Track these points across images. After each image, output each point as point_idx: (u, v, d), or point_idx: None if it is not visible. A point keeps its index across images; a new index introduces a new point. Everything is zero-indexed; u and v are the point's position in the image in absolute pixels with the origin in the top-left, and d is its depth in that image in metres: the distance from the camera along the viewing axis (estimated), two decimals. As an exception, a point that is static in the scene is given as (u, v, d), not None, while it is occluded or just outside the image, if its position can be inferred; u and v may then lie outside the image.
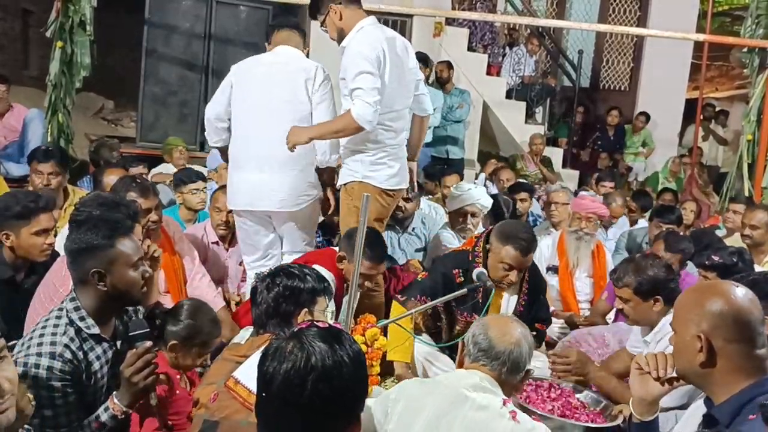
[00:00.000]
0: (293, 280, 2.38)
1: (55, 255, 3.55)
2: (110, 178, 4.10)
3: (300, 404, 1.40)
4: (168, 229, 3.88)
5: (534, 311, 3.65)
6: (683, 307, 1.83)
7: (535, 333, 3.49)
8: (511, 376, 2.24)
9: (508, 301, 3.58)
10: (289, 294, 2.35)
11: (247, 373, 2.04)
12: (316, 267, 3.37)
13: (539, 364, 3.38)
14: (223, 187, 4.35)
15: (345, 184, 3.74)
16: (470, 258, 3.50)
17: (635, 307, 3.09)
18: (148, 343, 2.16)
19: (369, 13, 3.75)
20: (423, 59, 7.61)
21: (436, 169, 6.74)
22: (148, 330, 2.23)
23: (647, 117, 9.55)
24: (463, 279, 3.44)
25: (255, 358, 2.06)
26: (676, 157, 9.18)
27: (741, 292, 1.78)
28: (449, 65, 7.95)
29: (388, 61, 3.52)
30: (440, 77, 7.87)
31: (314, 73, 3.72)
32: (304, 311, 2.36)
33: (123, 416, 2.13)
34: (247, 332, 2.81)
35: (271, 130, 3.65)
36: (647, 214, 5.67)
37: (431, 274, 3.58)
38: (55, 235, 4.03)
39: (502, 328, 2.29)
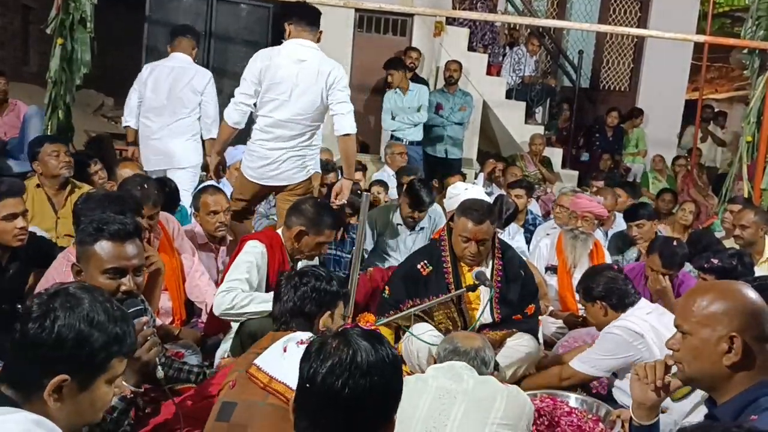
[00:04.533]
0: (321, 282, 2.46)
1: (51, 245, 3.57)
2: (125, 171, 4.09)
3: (341, 398, 1.47)
4: (167, 226, 3.88)
5: (519, 294, 3.61)
6: (700, 309, 1.78)
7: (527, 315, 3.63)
8: (480, 371, 2.53)
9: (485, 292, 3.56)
10: (315, 295, 2.44)
11: (268, 360, 2.11)
12: (254, 243, 3.41)
13: (525, 342, 3.51)
14: (206, 189, 4.28)
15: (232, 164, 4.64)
16: (437, 245, 3.65)
17: (588, 311, 3.43)
18: (144, 319, 2.17)
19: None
20: (395, 64, 7.63)
21: (436, 169, 6.80)
22: (142, 307, 2.27)
23: (641, 113, 9.59)
24: (430, 268, 3.56)
25: (277, 346, 2.14)
26: (657, 155, 9.20)
27: (753, 290, 1.79)
28: (460, 66, 7.97)
29: (272, 76, 4.11)
30: (450, 77, 7.89)
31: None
32: (327, 313, 2.44)
33: (132, 395, 2.14)
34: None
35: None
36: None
37: (394, 280, 3.67)
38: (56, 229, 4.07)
39: (465, 336, 2.71)
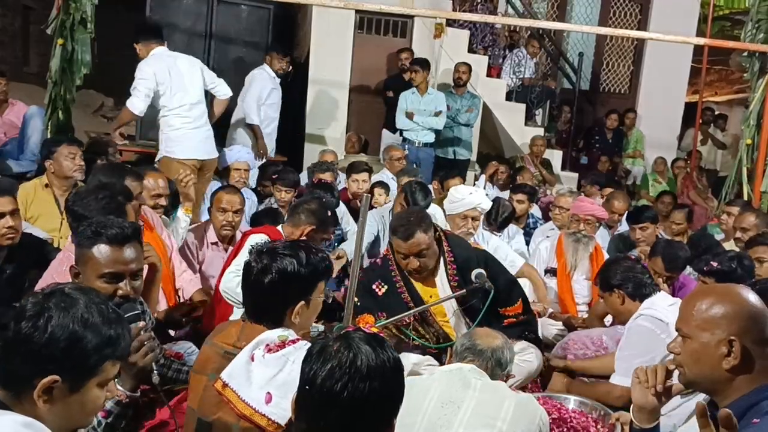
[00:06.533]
0: (291, 264, 2.13)
1: (48, 247, 3.55)
2: (149, 181, 4.07)
3: (340, 402, 1.47)
4: (147, 216, 3.90)
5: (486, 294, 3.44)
6: (699, 312, 1.78)
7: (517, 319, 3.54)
8: (494, 372, 2.47)
9: (442, 285, 3.50)
10: (285, 284, 2.12)
11: (234, 375, 2.00)
12: (260, 236, 3.40)
13: (529, 357, 3.42)
14: (224, 187, 4.35)
15: (158, 160, 5.30)
16: (387, 264, 3.53)
17: (606, 302, 3.40)
18: (141, 324, 2.16)
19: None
20: (421, 63, 7.64)
21: (439, 172, 6.79)
22: (138, 311, 2.24)
23: (634, 112, 9.62)
24: (385, 288, 3.47)
25: (243, 355, 2.03)
26: (659, 157, 9.21)
27: (753, 294, 1.78)
28: (470, 68, 7.98)
29: (169, 74, 5.18)
30: (459, 78, 7.89)
31: None
32: (301, 304, 2.16)
33: (128, 400, 2.12)
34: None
35: None
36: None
37: (361, 291, 3.41)
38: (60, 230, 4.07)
39: (487, 334, 2.61)
